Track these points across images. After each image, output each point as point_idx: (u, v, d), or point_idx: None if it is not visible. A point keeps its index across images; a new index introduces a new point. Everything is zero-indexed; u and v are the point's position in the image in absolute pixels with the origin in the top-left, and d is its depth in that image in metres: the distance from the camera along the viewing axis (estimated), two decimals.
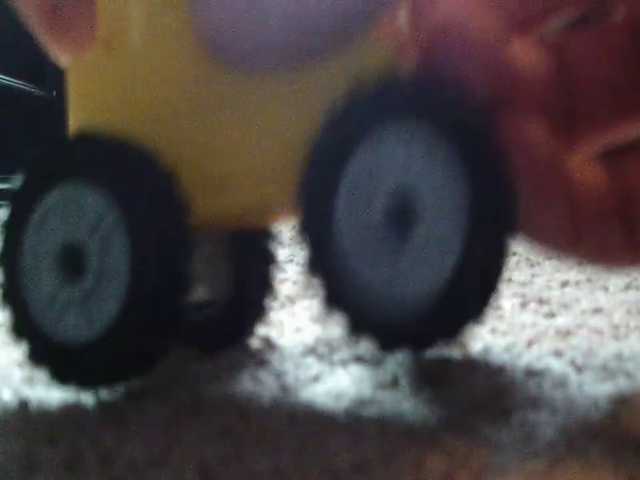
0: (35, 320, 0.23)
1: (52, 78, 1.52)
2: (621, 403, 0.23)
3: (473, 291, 0.20)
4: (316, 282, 0.21)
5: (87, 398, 0.24)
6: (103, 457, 0.19)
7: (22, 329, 0.23)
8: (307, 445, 0.20)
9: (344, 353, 0.29)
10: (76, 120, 0.25)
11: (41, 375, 0.26)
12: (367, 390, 0.24)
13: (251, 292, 0.30)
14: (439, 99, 0.20)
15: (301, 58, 0.22)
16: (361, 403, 0.23)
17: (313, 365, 0.27)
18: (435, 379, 0.25)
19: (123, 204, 0.22)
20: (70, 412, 0.22)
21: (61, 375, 0.23)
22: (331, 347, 0.29)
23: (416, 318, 0.20)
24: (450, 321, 0.20)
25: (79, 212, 0.22)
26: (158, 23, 0.23)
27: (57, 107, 1.56)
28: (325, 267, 0.21)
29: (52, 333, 0.23)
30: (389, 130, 0.20)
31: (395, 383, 0.24)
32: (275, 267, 0.30)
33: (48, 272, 0.23)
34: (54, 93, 1.53)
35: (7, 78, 1.34)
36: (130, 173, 0.22)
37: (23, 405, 0.23)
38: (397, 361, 0.27)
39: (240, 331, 0.30)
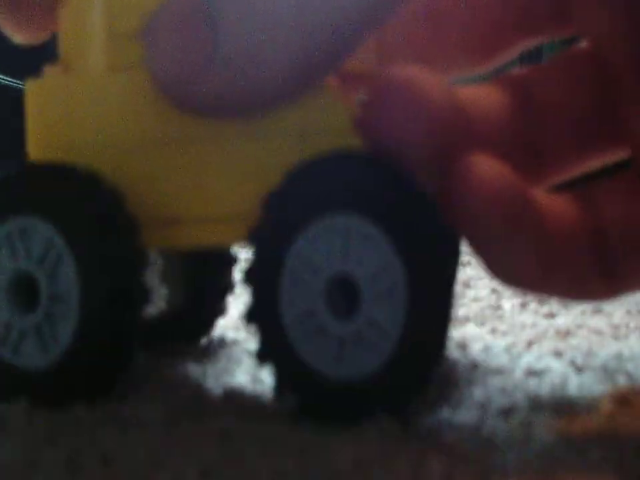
0: None
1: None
2: (621, 403, 0.23)
3: (409, 371, 0.21)
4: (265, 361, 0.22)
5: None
6: (102, 457, 0.19)
7: None
8: (307, 445, 0.20)
9: None
10: (33, 144, 0.25)
11: None
12: None
13: (208, 295, 0.30)
14: (377, 184, 0.21)
15: (254, 106, 0.22)
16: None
17: None
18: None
19: (68, 231, 0.22)
20: (70, 412, 0.22)
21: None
22: None
23: (357, 400, 0.21)
24: (387, 400, 0.21)
25: (28, 242, 0.23)
26: (119, 51, 0.23)
27: None
28: (274, 352, 0.22)
29: (11, 362, 0.23)
30: (327, 220, 0.21)
31: None
32: (232, 271, 0.31)
33: (2, 303, 0.23)
34: None
35: (7, 78, 1.34)
36: (74, 199, 0.23)
37: (23, 405, 0.23)
38: None
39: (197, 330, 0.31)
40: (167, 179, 0.23)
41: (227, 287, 0.31)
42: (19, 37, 0.26)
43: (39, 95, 0.24)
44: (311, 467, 0.18)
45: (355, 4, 0.20)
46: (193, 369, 0.27)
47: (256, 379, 0.25)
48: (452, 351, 0.28)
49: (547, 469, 0.18)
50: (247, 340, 0.30)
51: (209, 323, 0.31)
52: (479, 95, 0.24)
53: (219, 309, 0.31)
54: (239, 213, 0.23)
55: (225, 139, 0.23)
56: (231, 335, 0.31)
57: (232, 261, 0.31)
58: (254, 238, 0.22)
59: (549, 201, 0.22)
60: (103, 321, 0.22)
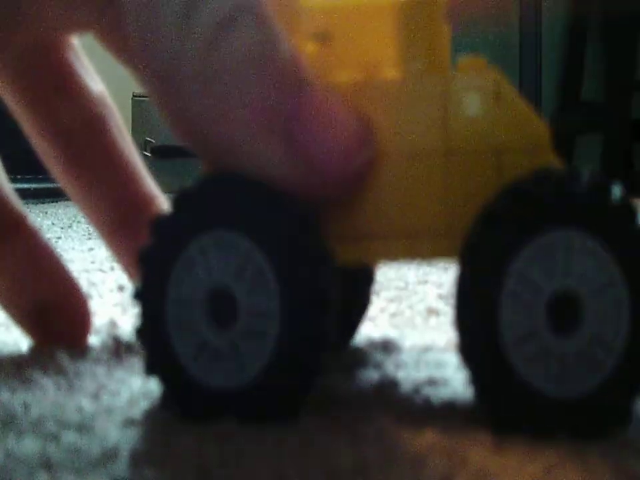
0: (183, 365, 0.22)
1: None
2: None
3: (629, 388, 0.20)
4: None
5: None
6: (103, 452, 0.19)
7: (164, 371, 0.22)
8: (307, 445, 0.20)
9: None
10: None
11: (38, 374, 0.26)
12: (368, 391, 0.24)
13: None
14: (594, 199, 0.21)
15: None
16: (361, 403, 0.23)
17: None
18: (433, 380, 0.25)
19: (266, 246, 0.21)
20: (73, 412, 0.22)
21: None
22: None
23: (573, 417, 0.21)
24: (603, 418, 0.21)
25: (225, 256, 0.22)
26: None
27: None
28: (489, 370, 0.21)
29: (202, 379, 0.22)
30: (546, 237, 0.21)
31: (393, 384, 0.25)
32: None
33: (197, 318, 0.22)
34: None
35: None
36: (272, 211, 0.22)
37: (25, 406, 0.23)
38: (396, 363, 0.27)
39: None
40: (361, 193, 0.23)
41: (369, 298, 0.30)
42: None
43: None
44: (311, 467, 0.18)
45: None
46: None
47: None
48: (450, 352, 0.28)
49: (547, 469, 0.18)
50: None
51: (353, 331, 0.30)
52: None
53: (360, 318, 0.30)
54: (436, 228, 0.22)
55: (420, 154, 0.22)
56: None
57: (373, 272, 0.30)
58: (468, 256, 0.21)
59: None
60: (303, 336, 0.21)
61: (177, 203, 0.22)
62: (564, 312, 0.21)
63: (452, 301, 0.21)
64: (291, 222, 0.22)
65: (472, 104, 0.22)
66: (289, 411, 0.22)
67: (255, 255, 0.22)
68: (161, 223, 0.22)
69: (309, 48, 0.23)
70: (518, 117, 0.22)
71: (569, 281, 0.20)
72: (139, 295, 0.22)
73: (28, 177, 1.20)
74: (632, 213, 0.20)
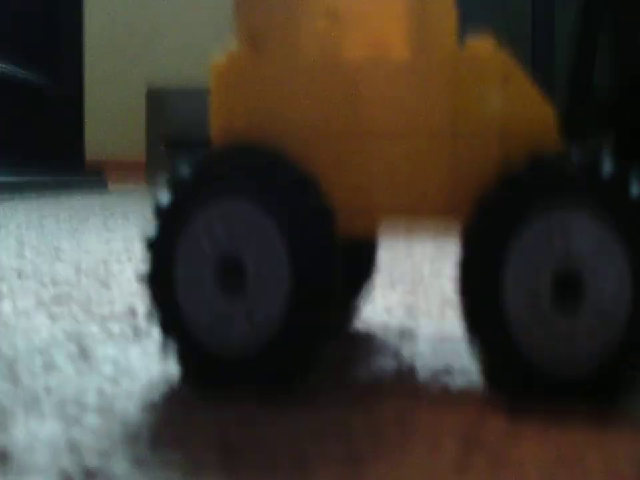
0: (195, 335, 0.22)
1: (50, 70, 1.52)
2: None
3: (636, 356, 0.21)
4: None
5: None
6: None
7: (179, 346, 0.23)
8: (327, 426, 0.20)
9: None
10: (223, 123, 0.24)
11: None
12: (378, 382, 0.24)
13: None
14: (596, 179, 0.21)
15: None
16: (380, 389, 0.23)
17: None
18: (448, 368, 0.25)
19: (278, 215, 0.22)
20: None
21: (222, 389, 0.22)
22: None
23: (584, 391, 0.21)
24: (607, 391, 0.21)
25: (235, 225, 0.22)
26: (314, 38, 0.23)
27: (56, 98, 1.55)
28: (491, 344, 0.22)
29: (215, 347, 0.22)
30: (547, 218, 0.21)
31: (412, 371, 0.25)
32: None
33: (207, 287, 0.22)
34: (55, 84, 1.53)
35: (8, 67, 1.33)
36: (284, 184, 0.22)
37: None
38: (414, 352, 0.27)
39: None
40: (362, 169, 0.23)
41: (372, 272, 0.31)
42: None
43: (228, 77, 0.24)
44: (331, 448, 0.19)
45: None
46: None
47: None
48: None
49: (562, 453, 0.18)
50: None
51: (356, 309, 0.31)
52: None
53: (364, 296, 0.31)
54: (440, 207, 0.23)
55: (426, 134, 0.23)
56: None
57: (375, 246, 0.31)
58: (472, 235, 0.21)
59: None
60: (314, 288, 0.22)
61: (173, 184, 0.23)
62: (567, 290, 0.21)
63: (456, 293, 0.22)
64: (293, 183, 0.22)
65: (479, 85, 0.22)
66: (309, 361, 0.22)
67: (260, 220, 0.22)
68: (161, 207, 0.23)
69: (320, 26, 0.23)
70: (525, 99, 0.22)
71: (569, 259, 0.21)
72: (149, 279, 0.23)
73: (42, 169, 1.21)
74: (624, 185, 0.21)
